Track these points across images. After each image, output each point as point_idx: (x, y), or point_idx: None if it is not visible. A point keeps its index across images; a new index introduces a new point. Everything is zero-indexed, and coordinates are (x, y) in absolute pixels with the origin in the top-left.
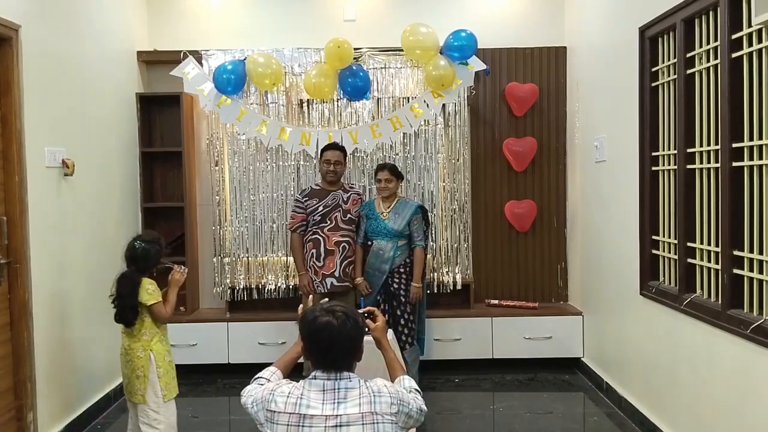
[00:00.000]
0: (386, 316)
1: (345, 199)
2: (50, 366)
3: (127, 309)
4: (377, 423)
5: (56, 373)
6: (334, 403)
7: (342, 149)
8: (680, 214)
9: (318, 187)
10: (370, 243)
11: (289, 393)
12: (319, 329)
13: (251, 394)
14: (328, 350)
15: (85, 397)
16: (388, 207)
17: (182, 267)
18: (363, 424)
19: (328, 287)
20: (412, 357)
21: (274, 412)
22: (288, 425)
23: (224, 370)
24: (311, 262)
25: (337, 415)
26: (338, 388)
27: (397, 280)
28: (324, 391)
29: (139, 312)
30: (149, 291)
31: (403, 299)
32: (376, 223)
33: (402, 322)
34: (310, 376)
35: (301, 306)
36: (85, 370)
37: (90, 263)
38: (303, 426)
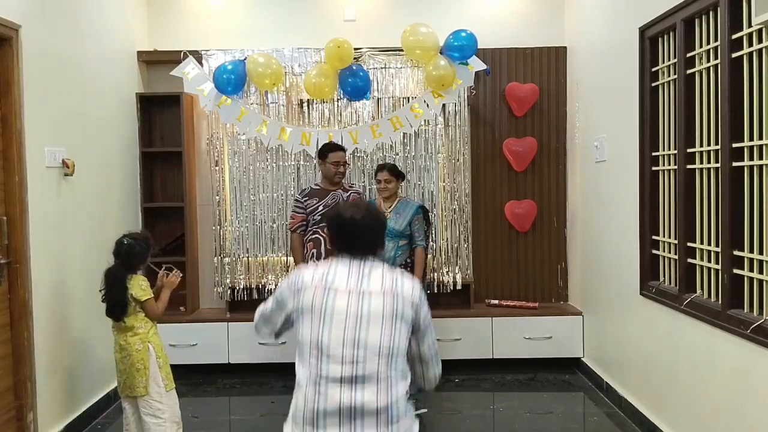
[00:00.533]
0: None
1: (345, 199)
2: (50, 366)
3: (113, 303)
4: (397, 302)
5: (56, 372)
6: (358, 279)
7: (344, 148)
8: (680, 214)
9: (318, 187)
10: None
11: (315, 271)
12: (345, 222)
13: (259, 309)
14: (354, 241)
15: (85, 397)
16: (389, 207)
17: (174, 269)
18: (384, 299)
19: None
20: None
21: (300, 289)
22: (314, 296)
23: (224, 370)
24: (311, 262)
25: (360, 290)
26: (363, 267)
27: None
28: (350, 268)
29: (133, 307)
30: (142, 287)
31: None
32: None
33: None
34: (337, 257)
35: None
36: (85, 370)
37: (90, 263)
38: (327, 297)
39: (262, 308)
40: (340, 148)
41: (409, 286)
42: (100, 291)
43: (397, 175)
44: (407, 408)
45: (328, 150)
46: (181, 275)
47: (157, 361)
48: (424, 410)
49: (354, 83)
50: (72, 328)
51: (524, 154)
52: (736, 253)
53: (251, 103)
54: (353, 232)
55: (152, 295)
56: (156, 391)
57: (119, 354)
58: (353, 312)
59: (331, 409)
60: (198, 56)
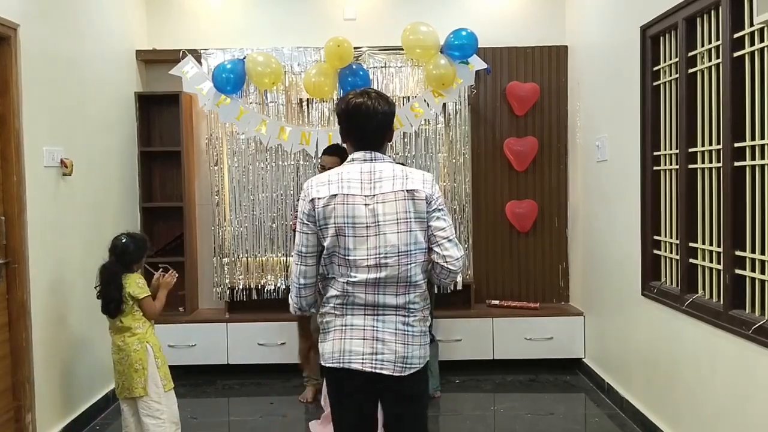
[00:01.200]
0: None
1: None
2: (49, 366)
3: (108, 300)
4: (408, 202)
5: (55, 373)
6: (371, 184)
7: (340, 154)
8: (682, 214)
9: None
10: None
11: (329, 182)
12: (356, 108)
13: (293, 282)
14: (365, 127)
15: (84, 398)
16: None
17: (171, 270)
18: (396, 202)
19: None
20: (431, 352)
21: (317, 205)
22: (334, 208)
23: (223, 370)
24: None
25: (374, 196)
26: (374, 171)
27: None
28: (361, 172)
29: (130, 306)
30: (139, 285)
31: None
32: None
33: None
34: (348, 160)
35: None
36: (83, 371)
37: (89, 263)
38: (347, 208)
39: (295, 276)
40: (335, 153)
41: (419, 180)
42: (95, 288)
43: None
44: (425, 317)
45: (323, 152)
46: (177, 275)
47: (155, 362)
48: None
49: (354, 82)
50: (70, 329)
51: (525, 154)
52: (737, 253)
53: (250, 103)
54: (366, 119)
55: (150, 293)
56: (155, 392)
57: (117, 355)
58: (371, 219)
59: (358, 308)
60: (197, 55)
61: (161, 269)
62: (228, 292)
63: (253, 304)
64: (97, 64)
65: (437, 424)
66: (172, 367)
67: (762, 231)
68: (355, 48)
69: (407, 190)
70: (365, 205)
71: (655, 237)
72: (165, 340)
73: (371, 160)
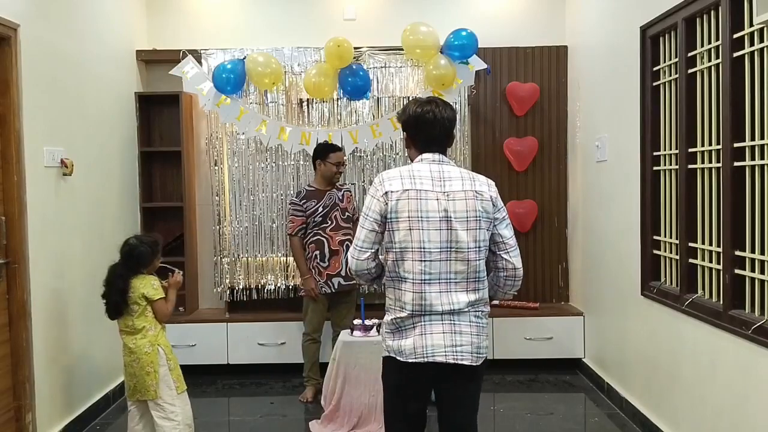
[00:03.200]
0: None
1: (340, 198)
2: (49, 366)
3: (107, 301)
4: (477, 201)
5: (55, 373)
6: (441, 182)
7: (342, 148)
8: (681, 214)
9: (312, 188)
10: None
11: (401, 177)
12: (423, 115)
13: (352, 254)
14: (431, 133)
15: (85, 398)
16: None
17: (177, 270)
18: (466, 201)
19: (335, 287)
20: None
21: (391, 198)
22: (408, 202)
23: (223, 370)
24: (314, 264)
25: (445, 193)
26: (442, 170)
27: None
28: (430, 170)
29: (143, 306)
30: (155, 287)
31: None
32: None
33: None
34: (417, 160)
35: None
36: (84, 371)
37: (89, 263)
38: (420, 202)
39: (353, 248)
40: (339, 148)
41: (484, 183)
42: (103, 286)
43: None
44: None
45: (328, 150)
46: (181, 274)
47: (167, 363)
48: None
49: (354, 82)
50: (71, 329)
51: (525, 154)
52: (737, 253)
53: (251, 103)
54: (432, 126)
55: (164, 295)
56: (167, 394)
57: (128, 357)
58: (443, 214)
59: (435, 309)
60: (197, 55)
61: (172, 272)
62: (228, 292)
63: (253, 304)
64: (98, 64)
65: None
66: None
67: (762, 231)
68: (355, 48)
69: (475, 191)
70: (437, 200)
71: (655, 237)
72: None
73: (439, 161)
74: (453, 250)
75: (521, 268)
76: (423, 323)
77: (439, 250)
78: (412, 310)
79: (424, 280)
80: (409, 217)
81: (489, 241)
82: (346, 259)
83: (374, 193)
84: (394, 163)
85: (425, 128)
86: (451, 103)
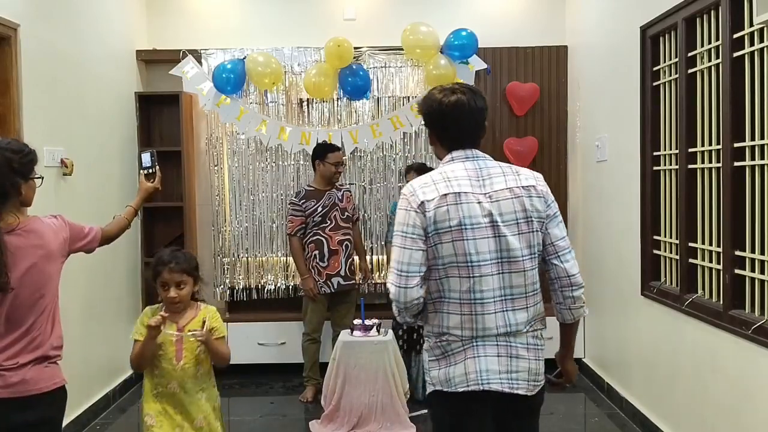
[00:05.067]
0: None
1: (340, 197)
2: None
3: None
4: (525, 199)
5: None
6: (480, 181)
7: (341, 148)
8: (681, 214)
9: (312, 188)
10: None
11: (435, 183)
12: (452, 105)
13: (394, 281)
14: (462, 125)
15: (84, 398)
16: None
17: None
18: (513, 199)
19: (335, 287)
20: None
21: (428, 208)
22: (448, 210)
23: (223, 370)
24: (314, 264)
25: (488, 194)
26: (479, 168)
27: None
28: (466, 170)
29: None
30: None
31: None
32: None
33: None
34: (446, 160)
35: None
36: (84, 371)
37: (89, 263)
38: (461, 208)
39: (398, 275)
40: (338, 148)
41: (530, 176)
42: None
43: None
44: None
45: (327, 150)
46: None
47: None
48: (425, 411)
49: (354, 82)
50: (71, 328)
51: (525, 154)
52: (737, 253)
53: (251, 103)
54: (462, 116)
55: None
56: None
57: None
58: (488, 219)
59: (490, 332)
60: (197, 55)
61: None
62: (228, 292)
63: (253, 304)
64: (98, 64)
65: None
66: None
67: (762, 231)
68: (355, 48)
69: (523, 187)
70: (478, 203)
71: (655, 237)
72: None
73: (473, 158)
74: (505, 260)
75: (578, 275)
76: (475, 345)
77: (489, 262)
78: (461, 336)
79: (474, 299)
80: (450, 226)
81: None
82: (345, 259)
83: (407, 206)
84: (394, 163)
85: (453, 121)
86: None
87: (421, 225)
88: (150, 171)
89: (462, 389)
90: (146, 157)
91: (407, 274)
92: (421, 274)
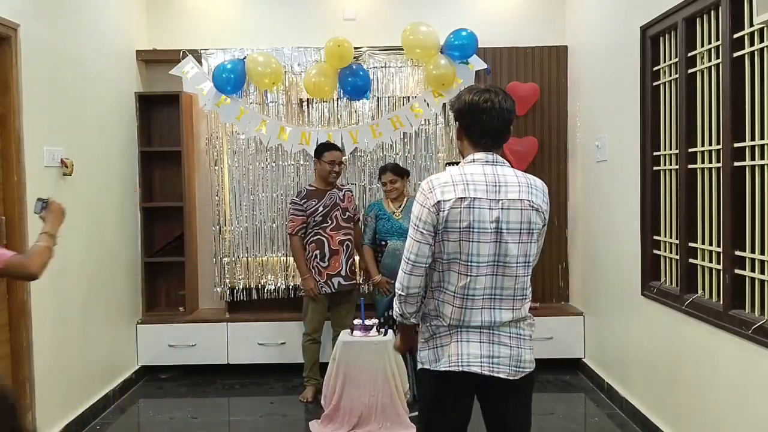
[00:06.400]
0: None
1: (341, 197)
2: (49, 366)
3: None
4: (531, 213)
5: (55, 373)
6: (496, 187)
7: (340, 149)
8: (681, 214)
9: (313, 188)
10: (383, 243)
11: (453, 181)
12: (481, 104)
13: (403, 274)
14: (488, 124)
15: (85, 398)
16: (399, 206)
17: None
18: (521, 211)
19: (335, 287)
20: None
21: (442, 207)
22: (460, 210)
23: (223, 370)
24: (314, 264)
25: (500, 201)
26: (497, 174)
27: None
28: (484, 173)
29: None
30: None
31: None
32: (389, 223)
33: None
34: (468, 160)
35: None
36: (84, 371)
37: (89, 263)
38: (473, 211)
39: (406, 263)
40: (336, 148)
41: (540, 192)
42: None
43: (402, 173)
44: (533, 323)
45: (323, 149)
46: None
47: None
48: None
49: (354, 82)
50: (71, 329)
51: (525, 154)
52: (737, 253)
53: (251, 103)
54: (490, 116)
55: None
56: None
57: None
58: (494, 225)
59: (474, 324)
60: (197, 55)
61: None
62: (228, 292)
63: (253, 304)
64: (98, 64)
65: None
66: (172, 367)
67: (762, 231)
68: (355, 48)
69: (532, 202)
70: (489, 209)
71: (655, 237)
72: (165, 340)
73: (493, 162)
74: (500, 264)
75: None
76: (459, 331)
77: (486, 264)
78: (449, 324)
79: (467, 295)
80: (460, 228)
81: None
82: (345, 259)
83: (424, 202)
84: None
85: (482, 118)
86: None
87: (432, 222)
88: (41, 216)
89: (444, 368)
90: (38, 205)
91: (415, 263)
92: (426, 265)
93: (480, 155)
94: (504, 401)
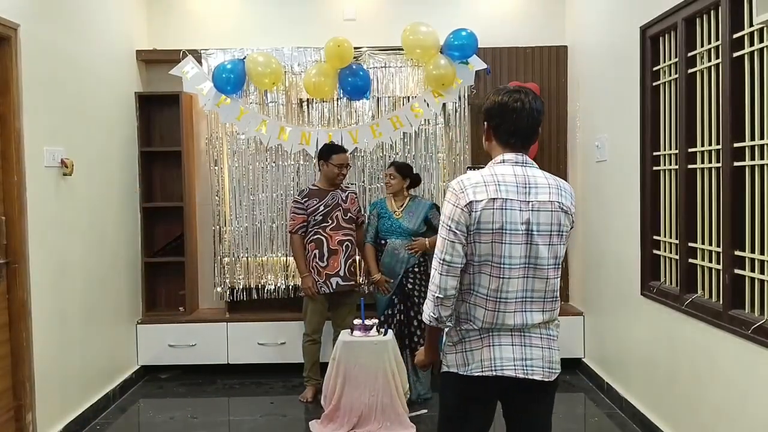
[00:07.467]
0: (401, 317)
1: (344, 198)
2: (49, 366)
3: None
4: (561, 215)
5: (55, 373)
6: (526, 188)
7: (347, 150)
8: (681, 214)
9: (316, 188)
10: (383, 242)
11: (484, 181)
12: (511, 104)
13: (437, 278)
14: (518, 124)
15: (84, 398)
16: (401, 206)
17: None
18: (551, 213)
19: (334, 287)
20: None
21: (475, 208)
22: (493, 211)
23: (223, 370)
24: (314, 263)
25: (530, 202)
26: (527, 175)
27: (411, 280)
28: (515, 174)
29: None
30: None
31: (417, 299)
32: (389, 222)
33: (415, 323)
34: (498, 160)
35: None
36: (84, 370)
37: (89, 263)
38: (505, 212)
39: (441, 264)
40: (344, 150)
41: (568, 194)
42: None
43: (404, 173)
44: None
45: (332, 152)
46: None
47: None
48: (424, 411)
49: (354, 82)
50: (71, 328)
51: None
52: (737, 253)
53: (251, 103)
54: (520, 116)
55: None
56: None
57: None
58: (524, 227)
59: (507, 326)
60: (197, 55)
61: None
62: (228, 292)
63: (253, 304)
64: (98, 64)
65: (435, 425)
66: (172, 367)
67: (761, 231)
68: (355, 48)
69: (561, 203)
70: (519, 210)
71: (655, 237)
72: (165, 340)
73: (523, 163)
74: (532, 266)
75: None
76: (491, 335)
77: (518, 266)
78: (481, 327)
79: (499, 298)
80: (492, 229)
81: None
82: (345, 259)
83: (456, 202)
84: None
85: (511, 118)
86: (449, 103)
87: (464, 222)
88: None
89: (477, 374)
90: None
91: (450, 264)
92: (461, 265)
93: (510, 156)
94: (534, 403)
